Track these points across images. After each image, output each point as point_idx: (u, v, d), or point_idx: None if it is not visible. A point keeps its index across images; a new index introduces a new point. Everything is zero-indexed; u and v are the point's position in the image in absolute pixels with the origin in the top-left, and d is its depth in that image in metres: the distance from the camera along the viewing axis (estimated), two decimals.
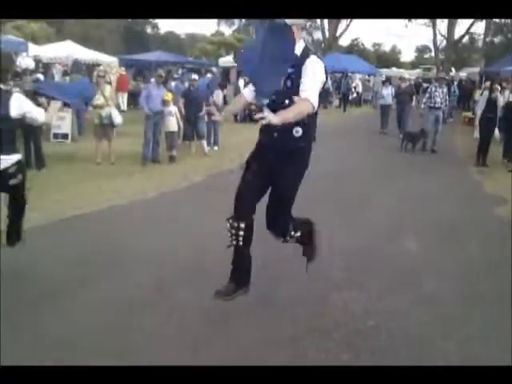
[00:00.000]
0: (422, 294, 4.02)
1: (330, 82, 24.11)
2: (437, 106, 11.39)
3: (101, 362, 2.71)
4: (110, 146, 8.78)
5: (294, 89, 3.05)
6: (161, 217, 5.68)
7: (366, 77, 29.31)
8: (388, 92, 14.87)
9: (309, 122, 3.17)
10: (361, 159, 10.45)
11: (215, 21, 50.16)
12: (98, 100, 8.55)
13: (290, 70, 3.04)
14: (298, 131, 3.12)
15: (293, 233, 3.42)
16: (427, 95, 11.71)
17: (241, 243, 3.21)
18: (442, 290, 4.13)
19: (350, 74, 25.96)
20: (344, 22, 37.07)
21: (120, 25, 50.44)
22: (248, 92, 3.41)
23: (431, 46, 39.18)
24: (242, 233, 3.18)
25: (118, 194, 6.73)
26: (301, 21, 3.16)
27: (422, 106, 11.85)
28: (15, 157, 3.69)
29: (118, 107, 11.71)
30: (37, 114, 3.84)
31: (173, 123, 9.26)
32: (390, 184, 8.03)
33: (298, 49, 3.09)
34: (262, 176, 3.22)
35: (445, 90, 11.80)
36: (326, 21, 37.02)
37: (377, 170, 9.33)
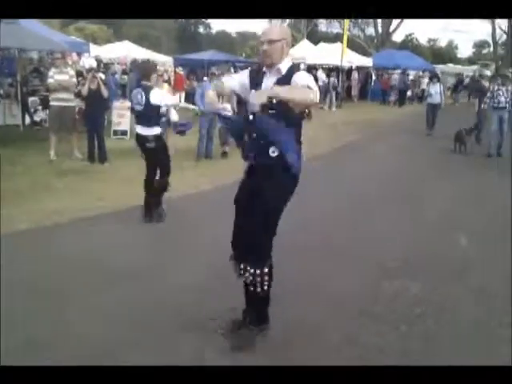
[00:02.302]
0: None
1: (397, 78, 24.09)
2: (501, 105, 10.55)
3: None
4: (166, 142, 9.14)
5: (278, 109, 2.82)
6: (214, 208, 5.95)
7: (421, 73, 28.64)
8: (436, 90, 13.76)
9: (289, 145, 2.94)
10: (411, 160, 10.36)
11: (266, 19, 50.32)
12: None
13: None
14: (273, 151, 2.92)
15: (265, 269, 3.03)
16: (489, 94, 10.95)
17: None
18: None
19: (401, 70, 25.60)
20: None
21: (174, 25, 51.61)
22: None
23: (490, 40, 37.84)
24: (244, 272, 3.08)
25: (174, 187, 7.04)
26: (288, 36, 3.01)
27: (482, 105, 11.08)
28: (154, 130, 5.36)
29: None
30: (170, 114, 5.67)
31: None
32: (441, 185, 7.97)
33: (284, 66, 2.98)
34: (246, 207, 3.01)
35: (510, 87, 10.79)
36: None
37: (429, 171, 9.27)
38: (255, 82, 3.06)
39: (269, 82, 2.99)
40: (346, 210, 6.21)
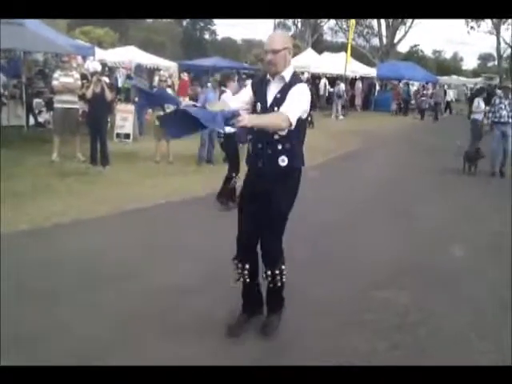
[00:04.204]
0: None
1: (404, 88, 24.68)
2: (502, 120, 9.62)
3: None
4: (168, 146, 9.22)
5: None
6: (211, 213, 6.01)
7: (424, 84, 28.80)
8: (483, 106, 11.65)
9: (295, 150, 3.11)
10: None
11: (272, 27, 50.57)
12: None
13: (278, 95, 3.06)
14: (283, 160, 3.07)
15: (283, 266, 3.29)
16: (491, 108, 10.00)
17: (248, 280, 3.30)
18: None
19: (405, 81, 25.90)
20: (402, 29, 36.58)
21: (179, 31, 51.82)
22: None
23: (495, 54, 38.00)
24: (246, 272, 3.27)
25: (175, 191, 7.12)
26: (290, 44, 3.12)
27: (485, 120, 10.35)
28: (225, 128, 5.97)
29: None
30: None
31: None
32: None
33: (288, 73, 3.09)
34: (254, 210, 3.18)
35: None
36: (383, 27, 36.66)
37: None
38: (261, 92, 3.15)
39: (274, 89, 3.09)
40: (339, 218, 6.23)
